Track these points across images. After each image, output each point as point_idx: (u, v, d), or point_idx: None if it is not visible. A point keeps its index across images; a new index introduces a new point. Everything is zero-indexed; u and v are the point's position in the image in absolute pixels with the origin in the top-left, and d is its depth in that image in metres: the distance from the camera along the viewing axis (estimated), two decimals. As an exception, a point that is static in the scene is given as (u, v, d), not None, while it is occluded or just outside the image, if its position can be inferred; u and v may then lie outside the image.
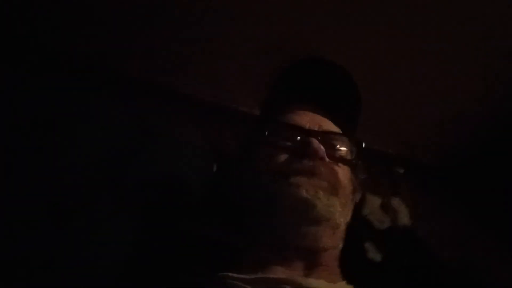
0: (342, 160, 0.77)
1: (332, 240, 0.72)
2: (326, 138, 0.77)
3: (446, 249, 1.16)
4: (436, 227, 1.25)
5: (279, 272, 0.70)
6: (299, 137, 0.75)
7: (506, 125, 1.34)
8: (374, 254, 0.89)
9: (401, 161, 1.51)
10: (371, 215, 0.98)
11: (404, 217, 1.07)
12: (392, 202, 1.07)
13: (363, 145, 0.80)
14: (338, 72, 0.83)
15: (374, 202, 1.01)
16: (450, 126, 1.39)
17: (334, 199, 0.71)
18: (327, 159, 0.74)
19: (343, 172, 0.76)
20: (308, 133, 0.76)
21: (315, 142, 0.73)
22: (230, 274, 0.69)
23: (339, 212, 0.72)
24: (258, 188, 0.73)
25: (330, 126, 0.80)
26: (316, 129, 0.78)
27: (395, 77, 1.24)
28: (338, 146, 0.79)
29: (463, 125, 1.38)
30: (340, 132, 0.80)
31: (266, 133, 0.77)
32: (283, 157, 0.74)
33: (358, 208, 0.84)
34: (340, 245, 0.76)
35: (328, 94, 0.81)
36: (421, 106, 1.34)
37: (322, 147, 0.73)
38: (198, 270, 0.70)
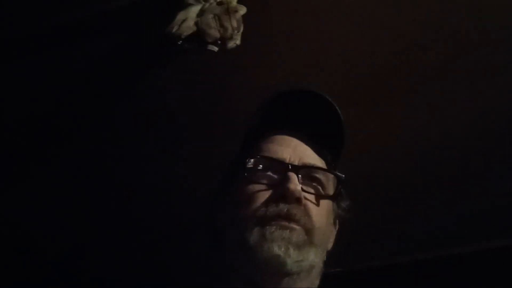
0: (322, 196, 0.79)
1: (306, 282, 0.75)
2: (307, 171, 0.79)
3: None
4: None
5: None
6: (279, 171, 0.77)
7: None
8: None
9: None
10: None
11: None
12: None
13: (343, 177, 0.81)
14: (322, 102, 0.83)
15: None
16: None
17: (306, 250, 0.73)
18: (303, 201, 0.75)
19: (319, 212, 0.77)
20: (289, 167, 0.76)
21: (293, 181, 0.74)
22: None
23: (313, 257, 0.74)
24: (235, 234, 0.76)
25: (312, 158, 0.81)
26: (296, 162, 0.78)
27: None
28: (319, 180, 0.79)
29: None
30: (321, 165, 0.81)
31: (247, 168, 0.78)
32: (261, 197, 0.75)
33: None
34: (317, 282, 0.78)
35: (312, 123, 0.82)
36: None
37: (299, 187, 0.74)
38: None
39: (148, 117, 1.35)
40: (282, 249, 0.70)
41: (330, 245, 0.83)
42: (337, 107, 0.82)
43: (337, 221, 0.85)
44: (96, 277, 1.73)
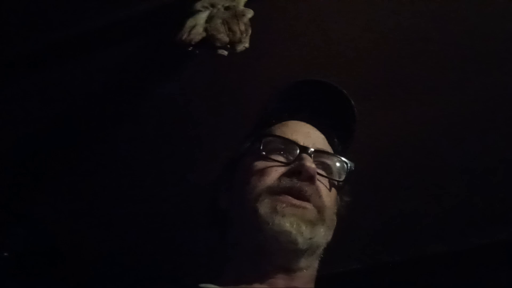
0: (331, 180, 0.80)
1: (309, 260, 0.75)
2: (319, 156, 0.80)
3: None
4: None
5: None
6: (293, 152, 0.77)
7: None
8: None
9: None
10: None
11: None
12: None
13: (353, 167, 0.82)
14: (336, 93, 0.86)
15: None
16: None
17: (318, 228, 0.73)
18: (316, 181, 0.76)
19: (329, 194, 0.78)
20: (303, 149, 0.76)
21: (308, 160, 0.74)
22: (212, 286, 0.71)
23: (322, 236, 0.74)
24: (247, 205, 0.75)
25: (324, 144, 0.82)
26: (309, 147, 0.78)
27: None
28: (329, 165, 0.81)
29: None
30: (332, 152, 0.83)
31: (261, 145, 0.79)
32: (274, 171, 0.76)
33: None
34: (316, 265, 0.79)
35: (325, 114, 0.84)
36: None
37: (314, 166, 0.74)
38: (180, 280, 0.84)
39: (163, 119, 1.38)
40: (294, 225, 0.70)
41: (329, 237, 0.81)
42: (352, 102, 0.85)
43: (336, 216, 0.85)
44: (98, 272, 1.73)
